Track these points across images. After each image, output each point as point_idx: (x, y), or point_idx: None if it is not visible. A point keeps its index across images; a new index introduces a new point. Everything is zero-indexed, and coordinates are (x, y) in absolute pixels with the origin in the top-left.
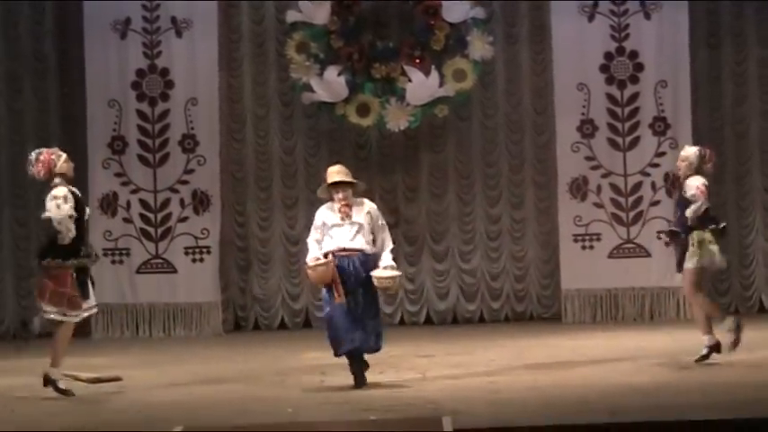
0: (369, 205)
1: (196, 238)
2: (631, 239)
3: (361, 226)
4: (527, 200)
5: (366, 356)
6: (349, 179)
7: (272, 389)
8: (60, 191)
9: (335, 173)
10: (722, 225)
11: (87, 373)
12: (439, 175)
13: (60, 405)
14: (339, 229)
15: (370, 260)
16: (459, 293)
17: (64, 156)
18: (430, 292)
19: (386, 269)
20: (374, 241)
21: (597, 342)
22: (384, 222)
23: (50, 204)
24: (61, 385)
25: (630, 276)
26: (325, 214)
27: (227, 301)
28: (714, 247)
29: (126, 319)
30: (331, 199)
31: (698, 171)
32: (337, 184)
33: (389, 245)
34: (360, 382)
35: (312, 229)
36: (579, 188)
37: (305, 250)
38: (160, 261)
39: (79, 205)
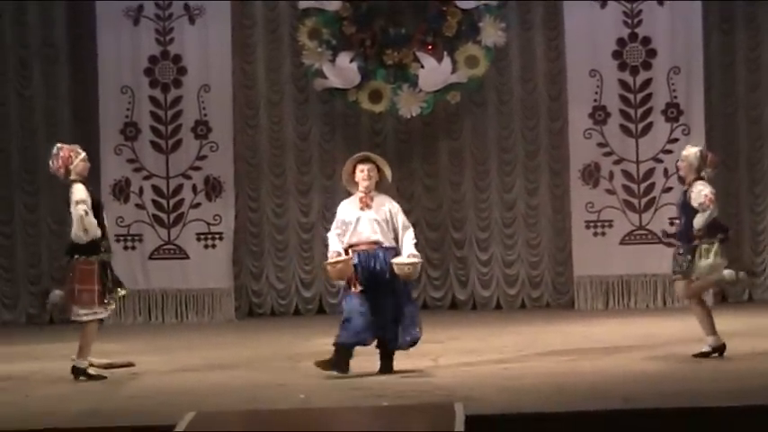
0: (390, 203)
1: (208, 224)
2: (643, 226)
3: (380, 220)
4: (542, 186)
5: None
6: (374, 160)
7: (284, 375)
8: (79, 193)
9: (362, 154)
10: (728, 232)
11: (100, 358)
12: (456, 162)
13: (73, 390)
14: (359, 222)
15: (390, 254)
16: (476, 280)
17: (83, 155)
18: (452, 278)
19: (408, 257)
20: (396, 239)
21: (609, 329)
22: (406, 221)
23: (76, 209)
24: (92, 371)
25: (642, 263)
26: (346, 209)
27: (239, 288)
28: (723, 260)
29: (138, 306)
30: (352, 190)
31: (698, 173)
32: (364, 161)
33: (411, 237)
34: (385, 368)
35: (334, 223)
36: (591, 174)
37: (318, 237)
38: (172, 247)
39: (95, 202)
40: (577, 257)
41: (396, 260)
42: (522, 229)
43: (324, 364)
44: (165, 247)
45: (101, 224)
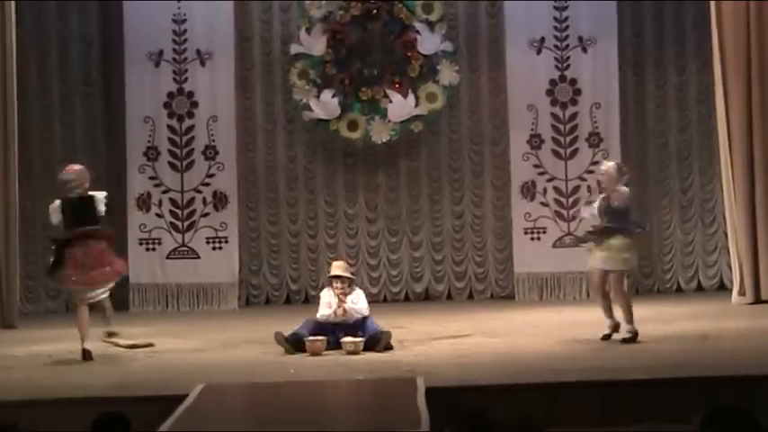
0: (357, 293)
1: (216, 230)
2: (571, 232)
3: (351, 308)
4: (486, 199)
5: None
6: (347, 275)
7: (277, 353)
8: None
9: (337, 267)
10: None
11: (126, 339)
12: (414, 179)
13: (103, 367)
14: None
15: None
16: (430, 277)
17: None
18: (407, 275)
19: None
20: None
21: (544, 316)
22: (364, 303)
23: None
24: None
25: (570, 262)
26: (328, 298)
27: (241, 282)
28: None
29: (158, 297)
30: (331, 285)
31: (617, 182)
32: (338, 276)
33: (363, 305)
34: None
35: (320, 306)
36: (529, 190)
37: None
38: (186, 249)
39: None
40: (517, 258)
41: (343, 339)
42: (469, 235)
43: (282, 339)
44: (179, 248)
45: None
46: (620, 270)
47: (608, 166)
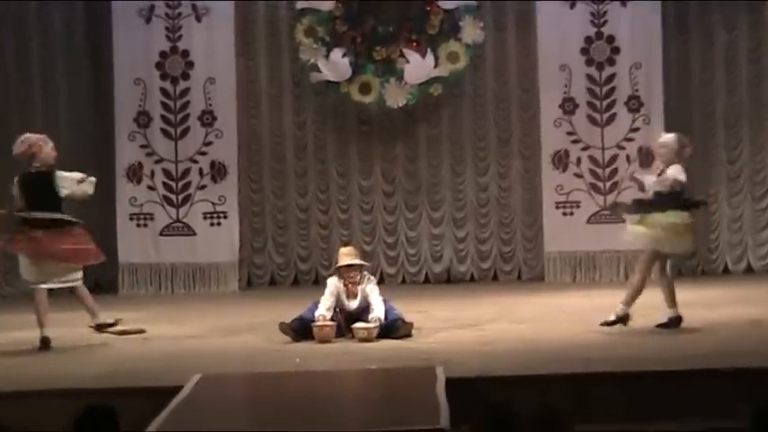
0: (368, 284)
1: (214, 204)
2: (607, 207)
3: (364, 298)
4: (513, 170)
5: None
6: (359, 261)
7: (282, 340)
8: None
9: (346, 255)
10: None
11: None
12: (434, 148)
13: (93, 355)
14: (345, 301)
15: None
16: (452, 256)
17: (51, 144)
18: (427, 255)
19: (368, 321)
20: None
21: (576, 300)
22: (376, 288)
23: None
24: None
25: (606, 240)
26: (336, 288)
27: (242, 261)
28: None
29: (150, 277)
30: (340, 276)
31: (678, 157)
32: (348, 266)
33: (380, 305)
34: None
35: (325, 292)
36: (561, 160)
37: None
38: (181, 225)
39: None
40: (547, 235)
41: (354, 325)
42: (495, 209)
43: (287, 328)
44: (174, 224)
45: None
46: (668, 251)
47: (668, 138)
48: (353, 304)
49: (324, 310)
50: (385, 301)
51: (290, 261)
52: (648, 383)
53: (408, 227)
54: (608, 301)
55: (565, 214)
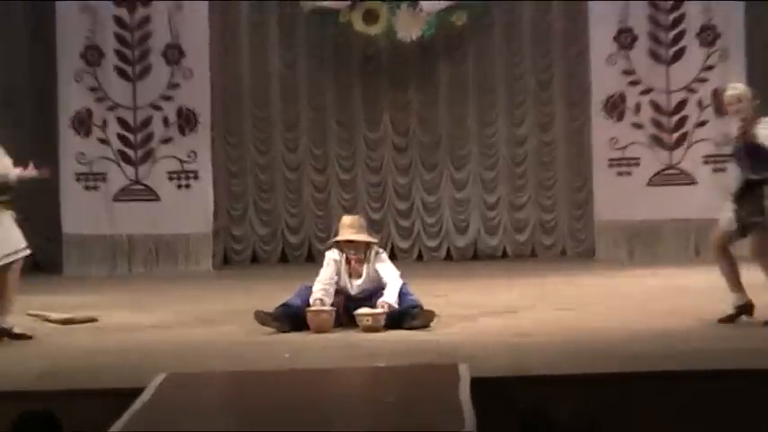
0: (377, 262)
1: (182, 161)
2: (674, 165)
3: (369, 279)
4: (557, 120)
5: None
6: (364, 238)
7: (267, 331)
8: None
9: (348, 227)
10: None
11: (58, 313)
12: (457, 92)
13: (28, 350)
14: (348, 281)
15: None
16: (480, 226)
17: None
18: (449, 225)
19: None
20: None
21: (633, 281)
22: (388, 264)
23: None
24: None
25: (672, 207)
26: (336, 264)
27: (217, 233)
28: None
29: (102, 253)
30: (341, 249)
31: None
32: (350, 241)
33: (393, 286)
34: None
35: (322, 269)
36: (616, 106)
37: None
38: (141, 187)
39: None
40: (599, 200)
41: (357, 311)
42: (533, 168)
43: (265, 318)
44: (132, 187)
45: None
46: None
47: (741, 90)
48: (357, 285)
49: (320, 292)
50: (403, 284)
51: (276, 232)
52: (717, 386)
53: (425, 190)
54: (673, 283)
55: (620, 174)
